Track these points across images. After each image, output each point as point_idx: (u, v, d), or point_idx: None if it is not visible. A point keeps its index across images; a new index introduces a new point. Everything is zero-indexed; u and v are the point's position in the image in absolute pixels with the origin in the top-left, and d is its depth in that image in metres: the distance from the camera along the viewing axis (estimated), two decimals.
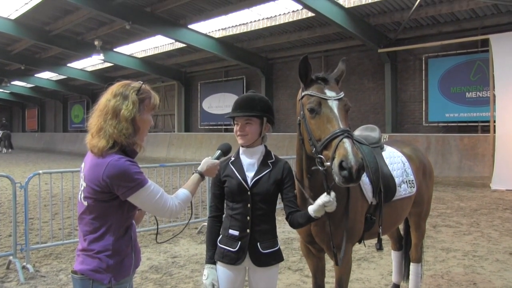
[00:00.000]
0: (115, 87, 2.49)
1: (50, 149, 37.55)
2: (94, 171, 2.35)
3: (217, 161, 2.83)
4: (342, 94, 2.91)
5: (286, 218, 2.96)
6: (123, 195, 2.34)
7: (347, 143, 2.60)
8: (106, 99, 2.46)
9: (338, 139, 2.63)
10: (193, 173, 2.77)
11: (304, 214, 2.83)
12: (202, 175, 2.76)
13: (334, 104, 2.81)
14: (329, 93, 2.86)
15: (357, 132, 4.24)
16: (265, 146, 3.01)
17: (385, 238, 5.80)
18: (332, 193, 2.71)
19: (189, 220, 3.56)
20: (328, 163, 2.64)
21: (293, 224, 2.93)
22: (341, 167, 2.55)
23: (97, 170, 2.33)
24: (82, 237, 2.46)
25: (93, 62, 28.26)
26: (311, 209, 2.76)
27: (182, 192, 2.59)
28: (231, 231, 2.89)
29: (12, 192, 6.09)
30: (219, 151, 2.91)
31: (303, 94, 2.96)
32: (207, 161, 2.80)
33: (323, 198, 2.71)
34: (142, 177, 2.37)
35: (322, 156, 2.70)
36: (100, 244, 2.38)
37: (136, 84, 2.52)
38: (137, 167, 2.38)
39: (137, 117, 2.44)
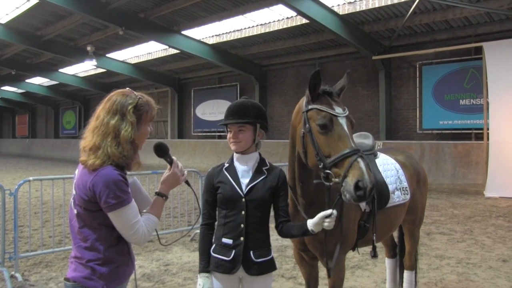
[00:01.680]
0: (113, 99, 2.45)
1: (41, 156, 37.32)
2: (84, 179, 2.34)
3: (174, 169, 2.63)
4: (347, 111, 2.93)
5: (276, 227, 2.94)
6: (104, 210, 2.31)
7: (361, 163, 2.64)
8: (104, 114, 2.40)
9: (351, 158, 2.66)
10: (154, 195, 2.63)
11: (300, 226, 2.81)
12: (163, 196, 2.60)
13: (343, 121, 2.83)
14: (337, 109, 2.87)
15: None
16: (259, 154, 3.00)
17: (379, 245, 5.82)
18: (335, 211, 2.69)
19: (195, 223, 3.51)
20: (337, 180, 2.66)
21: (283, 234, 2.92)
22: (357, 187, 2.58)
23: (86, 177, 2.32)
24: (74, 244, 2.45)
25: (86, 68, 28.22)
26: (311, 222, 2.73)
27: (148, 218, 2.50)
28: (224, 240, 2.86)
29: (1, 199, 6.03)
30: (164, 157, 2.67)
31: (310, 107, 2.91)
32: (165, 176, 2.63)
33: (325, 212, 2.69)
34: (126, 196, 2.33)
35: (330, 172, 2.70)
36: (90, 253, 2.37)
37: (133, 96, 2.47)
38: (125, 185, 2.34)
39: (135, 135, 2.42)
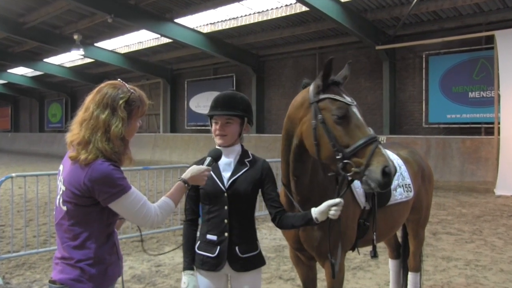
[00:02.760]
0: (103, 91, 2.45)
1: (24, 151, 37.21)
2: (75, 174, 2.34)
3: (203, 167, 2.77)
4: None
5: (273, 220, 2.97)
6: (104, 201, 2.34)
7: (383, 150, 2.70)
8: (93, 107, 2.41)
9: (372, 146, 2.70)
10: (177, 181, 2.74)
11: (302, 215, 2.84)
12: (186, 183, 2.70)
13: (356, 110, 2.89)
14: (348, 98, 2.92)
15: None
16: (242, 146, 3.04)
17: (382, 246, 5.85)
18: (342, 200, 2.75)
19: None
20: (357, 169, 2.69)
21: (283, 225, 2.94)
22: (384, 173, 2.62)
23: (79, 172, 2.33)
24: (60, 244, 2.44)
25: (72, 58, 28.10)
26: (316, 210, 2.77)
27: (164, 201, 2.57)
28: (209, 236, 2.91)
29: None
30: (209, 158, 2.86)
31: (321, 97, 2.93)
32: (193, 168, 2.76)
33: (333, 200, 2.75)
34: (125, 183, 2.37)
35: (350, 162, 2.73)
36: (81, 253, 2.37)
37: (125, 89, 2.47)
38: (121, 172, 2.38)
39: (125, 131, 2.44)
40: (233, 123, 2.91)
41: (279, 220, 2.92)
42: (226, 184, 2.89)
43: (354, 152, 2.73)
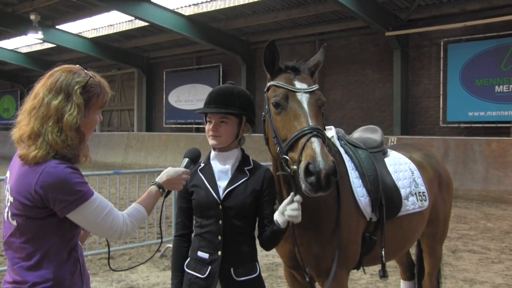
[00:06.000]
0: (56, 75, 2.42)
1: None
2: (24, 181, 2.28)
3: (180, 169, 2.80)
4: (315, 87, 3.02)
5: (258, 237, 2.98)
6: (61, 211, 2.29)
7: (315, 142, 2.69)
8: (44, 92, 2.37)
9: (305, 138, 2.72)
10: (151, 185, 2.73)
11: (271, 226, 2.84)
12: (161, 188, 2.69)
13: (304, 98, 2.92)
14: (299, 84, 2.97)
15: (356, 134, 4.31)
16: (242, 150, 3.03)
17: (392, 264, 5.86)
18: (298, 197, 2.72)
19: (160, 244, 3.51)
20: (295, 167, 2.72)
21: (264, 243, 2.95)
22: (307, 171, 2.62)
23: (28, 179, 2.27)
24: (11, 266, 2.38)
25: (29, 42, 27.88)
26: (276, 213, 2.79)
27: (135, 208, 2.54)
28: (200, 254, 2.89)
29: None
30: (187, 159, 2.89)
31: (268, 84, 3.07)
32: (168, 170, 2.76)
33: (288, 198, 2.74)
34: (85, 188, 2.32)
35: (287, 157, 2.78)
36: (36, 274, 2.31)
37: (83, 74, 2.45)
38: (80, 176, 2.33)
39: (82, 122, 2.39)
40: (229, 123, 2.89)
41: (261, 238, 2.93)
42: (222, 194, 2.88)
43: (289, 146, 2.79)
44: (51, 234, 2.34)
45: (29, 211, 2.29)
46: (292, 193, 2.73)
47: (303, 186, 2.66)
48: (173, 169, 2.77)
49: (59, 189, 2.25)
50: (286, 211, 2.70)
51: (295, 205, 2.70)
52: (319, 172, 2.58)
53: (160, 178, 2.72)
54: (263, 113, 3.08)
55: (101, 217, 2.35)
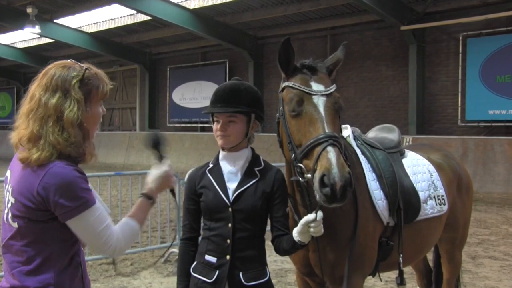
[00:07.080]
0: (51, 73, 2.41)
1: None
2: (27, 181, 2.29)
3: (162, 169, 2.75)
4: (332, 88, 3.00)
5: (272, 242, 2.99)
6: (61, 217, 2.29)
7: (331, 152, 2.68)
8: (40, 92, 2.37)
9: (320, 146, 2.71)
10: (139, 197, 2.69)
11: (289, 237, 2.85)
12: (151, 199, 2.66)
13: (320, 101, 2.90)
14: (315, 86, 2.95)
15: (371, 134, 4.29)
16: (252, 150, 3.03)
17: (409, 271, 5.84)
18: (320, 213, 2.72)
19: (171, 243, 3.52)
20: (309, 175, 2.72)
21: (278, 251, 2.98)
22: (322, 183, 2.63)
23: (31, 179, 2.27)
24: (9, 270, 2.38)
25: (26, 37, 28.03)
26: (295, 231, 2.79)
27: (126, 224, 2.52)
28: (207, 257, 2.90)
29: None
30: (156, 153, 2.86)
31: (283, 85, 3.04)
32: (153, 176, 2.72)
33: (307, 217, 2.73)
34: (89, 195, 2.32)
35: (302, 165, 2.78)
36: (36, 279, 2.31)
37: (78, 68, 2.44)
38: (86, 183, 2.34)
39: (84, 117, 2.38)
40: (237, 122, 2.90)
41: (276, 244, 2.95)
42: (231, 197, 2.88)
43: (304, 153, 2.78)
44: (52, 238, 2.34)
45: (32, 213, 2.29)
46: (314, 212, 2.70)
47: (317, 196, 2.67)
48: (155, 173, 2.73)
49: (62, 192, 2.25)
50: (311, 229, 2.70)
51: (318, 222, 2.70)
52: (334, 184, 2.59)
53: (149, 188, 2.69)
54: (277, 114, 3.06)
55: (100, 229, 2.35)
